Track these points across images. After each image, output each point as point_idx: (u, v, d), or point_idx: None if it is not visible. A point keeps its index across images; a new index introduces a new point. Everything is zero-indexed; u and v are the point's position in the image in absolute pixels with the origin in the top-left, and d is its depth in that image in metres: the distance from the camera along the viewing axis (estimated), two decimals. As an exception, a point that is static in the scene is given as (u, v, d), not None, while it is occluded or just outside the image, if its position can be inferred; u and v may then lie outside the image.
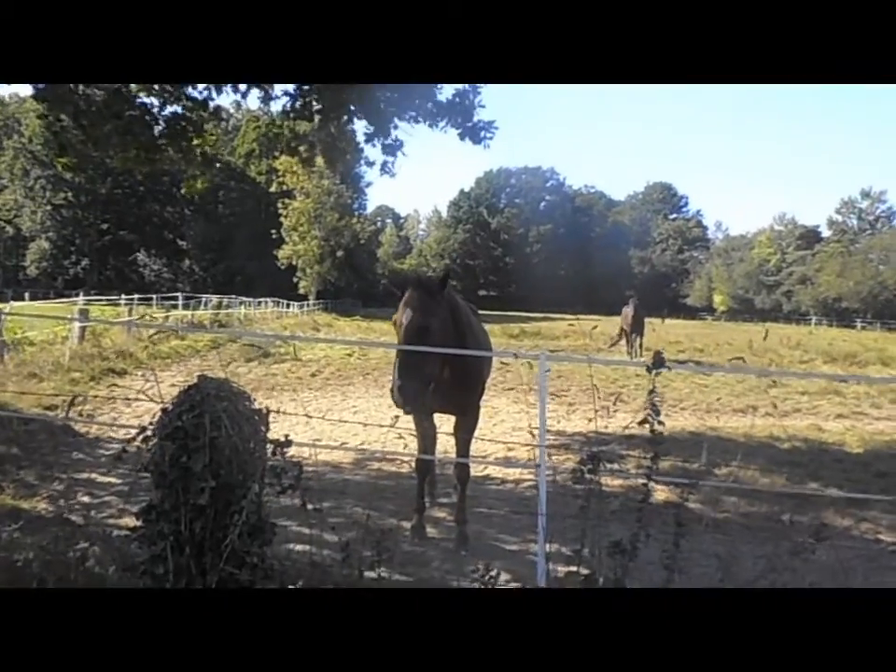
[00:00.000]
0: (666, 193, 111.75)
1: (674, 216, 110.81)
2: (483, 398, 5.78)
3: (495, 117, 8.82)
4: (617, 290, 62.57)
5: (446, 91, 8.75)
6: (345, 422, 9.17)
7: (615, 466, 6.25)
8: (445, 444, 6.56)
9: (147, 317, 18.15)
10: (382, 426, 7.78)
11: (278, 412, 3.66)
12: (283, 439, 3.19)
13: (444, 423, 5.92)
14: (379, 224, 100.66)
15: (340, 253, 59.88)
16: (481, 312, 6.54)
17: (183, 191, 12.92)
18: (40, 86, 7.59)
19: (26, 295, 44.58)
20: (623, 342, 22.06)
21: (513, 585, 4.24)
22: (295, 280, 58.46)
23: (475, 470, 6.73)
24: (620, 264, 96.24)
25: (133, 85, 8.49)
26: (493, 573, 3.08)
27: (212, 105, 8.90)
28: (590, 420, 10.34)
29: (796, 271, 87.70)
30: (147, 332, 16.36)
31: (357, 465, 7.58)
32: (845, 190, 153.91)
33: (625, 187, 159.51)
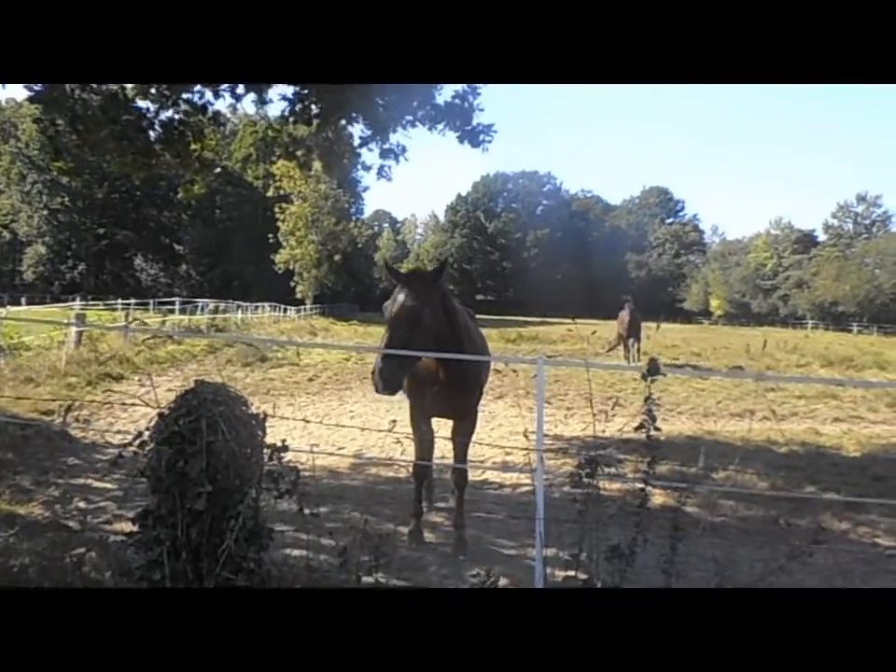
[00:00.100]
0: (663, 197, 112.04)
1: (670, 220, 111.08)
2: (481, 402, 5.78)
3: (492, 120, 8.85)
4: (614, 294, 62.61)
5: (445, 94, 8.75)
6: (343, 426, 9.15)
7: (613, 470, 6.27)
8: (443, 449, 6.55)
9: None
10: (379, 430, 7.79)
11: (275, 416, 3.65)
12: (280, 443, 3.18)
13: (442, 427, 5.91)
14: (376, 228, 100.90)
15: (337, 257, 59.88)
16: (478, 316, 6.54)
17: (180, 196, 12.89)
18: (36, 87, 7.57)
19: (23, 300, 44.58)
20: (621, 346, 22.07)
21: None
22: (292, 284, 58.43)
23: (473, 475, 6.72)
24: (617, 268, 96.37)
25: (129, 90, 8.49)
26: (493, 579, 3.08)
27: (211, 109, 8.90)
28: (587, 426, 10.37)
29: (792, 275, 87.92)
30: (142, 337, 16.34)
31: (354, 470, 7.57)
32: (841, 195, 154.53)
33: (622, 191, 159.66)
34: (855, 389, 14.33)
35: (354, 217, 69.63)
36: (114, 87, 8.40)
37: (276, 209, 55.88)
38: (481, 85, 8.72)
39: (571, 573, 3.24)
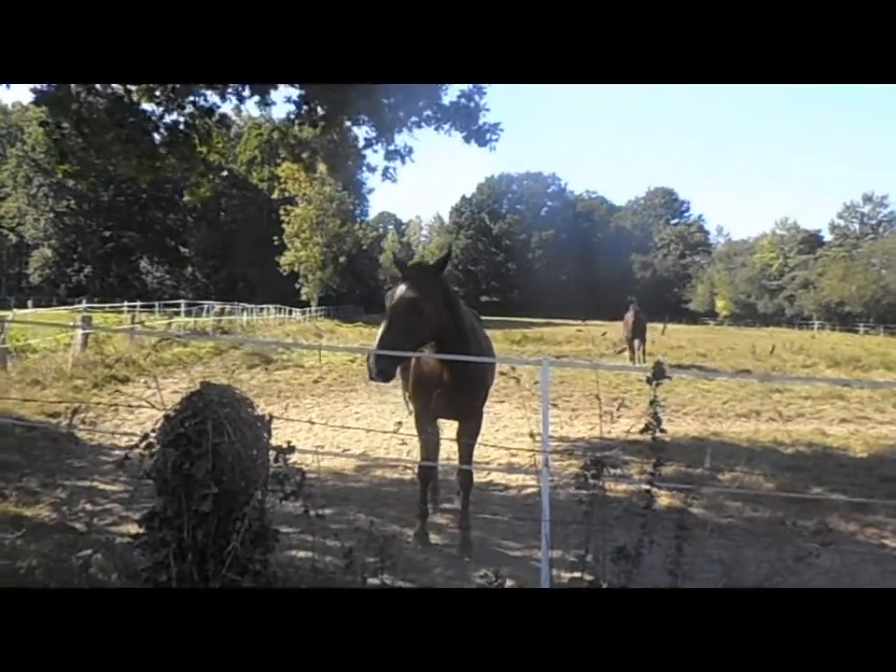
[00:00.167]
0: (668, 198, 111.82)
1: (675, 220, 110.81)
2: (486, 403, 5.77)
3: (496, 120, 8.83)
4: (619, 295, 62.58)
5: (451, 94, 8.76)
6: (348, 428, 9.16)
7: (618, 471, 6.26)
8: (448, 450, 6.55)
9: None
10: (385, 432, 7.80)
11: (281, 418, 3.66)
12: (285, 445, 3.19)
13: (447, 429, 5.91)
14: (381, 230, 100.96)
15: (342, 259, 59.92)
16: (483, 318, 6.53)
17: (186, 199, 12.96)
18: (41, 88, 7.60)
19: (29, 302, 44.70)
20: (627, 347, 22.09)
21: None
22: (297, 286, 58.49)
23: (478, 476, 6.72)
24: (622, 269, 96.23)
25: (135, 93, 8.52)
26: (499, 580, 3.07)
27: (217, 112, 8.93)
28: (593, 427, 10.36)
29: (798, 275, 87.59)
30: (151, 339, 16.39)
31: (359, 471, 7.57)
32: (847, 195, 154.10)
33: (627, 192, 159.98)
34: (862, 390, 14.27)
35: (358, 219, 69.72)
36: (119, 90, 8.44)
37: (281, 211, 55.97)
38: (484, 85, 8.73)
39: (577, 574, 3.23)
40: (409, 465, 6.99)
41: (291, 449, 3.18)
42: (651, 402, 3.31)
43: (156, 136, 8.79)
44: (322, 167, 12.56)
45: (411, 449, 5.48)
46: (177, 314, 30.44)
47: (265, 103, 9.44)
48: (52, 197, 69.27)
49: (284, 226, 56.36)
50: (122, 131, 8.31)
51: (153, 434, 3.14)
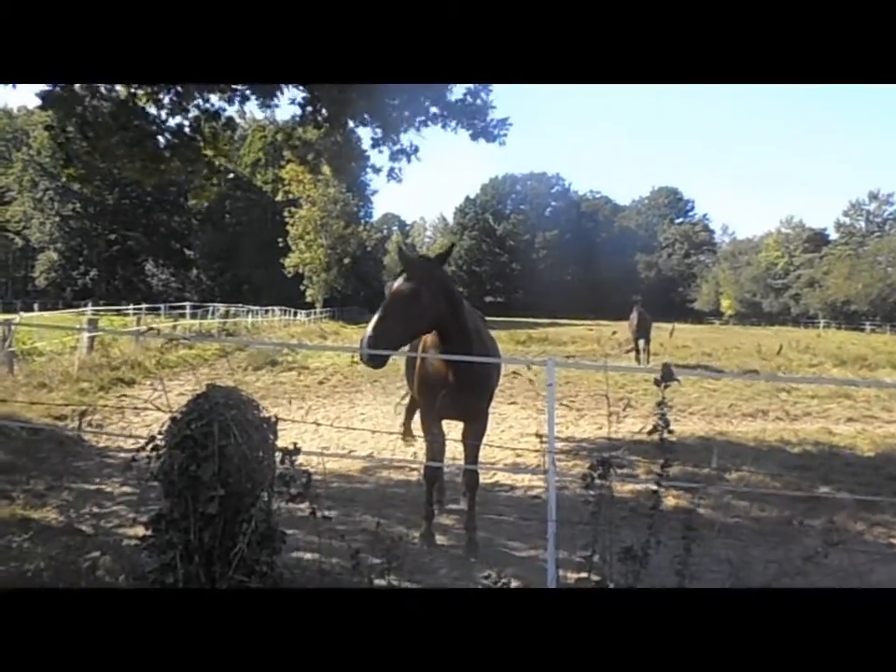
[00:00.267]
0: (672, 197, 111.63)
1: (680, 220, 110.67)
2: (491, 404, 5.77)
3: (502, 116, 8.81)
4: (624, 295, 62.42)
5: (457, 92, 8.75)
6: (354, 429, 9.16)
7: (625, 471, 6.24)
8: (454, 451, 6.55)
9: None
10: (390, 433, 7.79)
11: (286, 420, 3.66)
12: (291, 447, 3.19)
13: (453, 429, 5.91)
14: (385, 232, 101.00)
15: (346, 261, 59.99)
16: (487, 318, 6.53)
17: (190, 201, 13.03)
18: (46, 90, 7.62)
19: (35, 306, 44.93)
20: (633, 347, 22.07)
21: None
22: (302, 288, 58.59)
23: (484, 477, 6.71)
24: (626, 269, 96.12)
25: (140, 96, 8.54)
26: (504, 580, 3.07)
27: (224, 115, 8.94)
28: (599, 427, 10.34)
29: (804, 274, 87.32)
30: (157, 342, 16.42)
31: (365, 473, 7.57)
32: (852, 193, 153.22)
33: (631, 191, 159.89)
34: (868, 389, 14.22)
35: (363, 221, 69.77)
36: (124, 93, 8.46)
37: (285, 213, 56.10)
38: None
39: (584, 575, 3.23)
40: (415, 466, 6.99)
41: (297, 451, 3.19)
42: (659, 404, 3.31)
43: (161, 139, 8.81)
44: (326, 169, 12.57)
45: (416, 450, 5.48)
46: (183, 316, 30.52)
47: (267, 105, 9.46)
48: (58, 200, 69.53)
49: (288, 228, 56.47)
50: (127, 134, 8.33)
51: (160, 436, 3.15)
